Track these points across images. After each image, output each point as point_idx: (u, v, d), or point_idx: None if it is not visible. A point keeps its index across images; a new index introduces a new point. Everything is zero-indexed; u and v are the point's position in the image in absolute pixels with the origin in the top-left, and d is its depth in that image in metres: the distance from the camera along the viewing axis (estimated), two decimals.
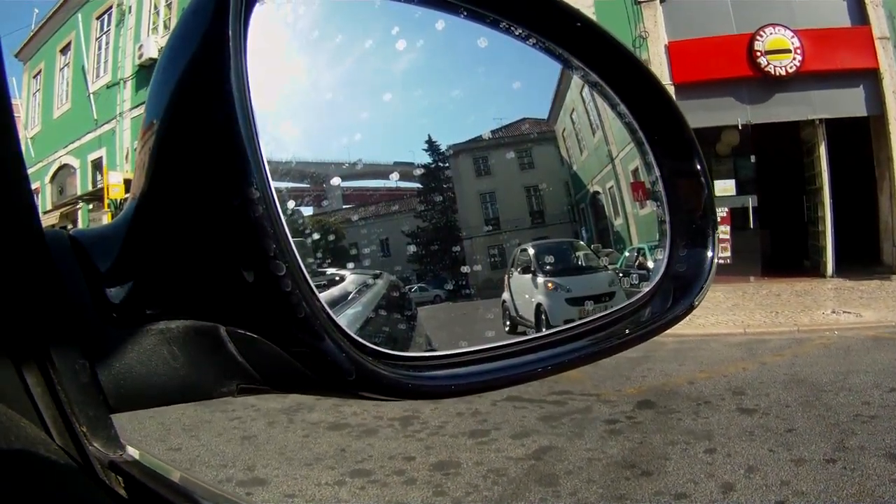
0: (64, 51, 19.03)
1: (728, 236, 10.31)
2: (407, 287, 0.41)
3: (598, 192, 0.40)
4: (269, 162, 0.37)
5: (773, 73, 10.17)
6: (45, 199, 19.37)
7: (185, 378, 0.42)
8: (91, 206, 17.35)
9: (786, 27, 10.12)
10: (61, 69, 19.23)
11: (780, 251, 11.49)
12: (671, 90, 9.84)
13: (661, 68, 10.32)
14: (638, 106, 0.59)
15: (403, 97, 0.44)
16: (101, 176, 15.82)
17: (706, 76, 10.33)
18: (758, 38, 10.18)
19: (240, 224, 0.36)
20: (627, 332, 0.53)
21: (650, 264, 0.37)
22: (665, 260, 0.58)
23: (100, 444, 0.42)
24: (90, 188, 17.42)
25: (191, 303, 0.40)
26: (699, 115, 9.73)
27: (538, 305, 0.30)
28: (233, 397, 0.44)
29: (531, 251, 0.29)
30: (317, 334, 0.36)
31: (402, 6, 0.50)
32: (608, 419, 4.27)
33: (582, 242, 0.37)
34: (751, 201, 11.02)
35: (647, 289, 0.57)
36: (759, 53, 10.20)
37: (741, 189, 11.03)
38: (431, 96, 0.43)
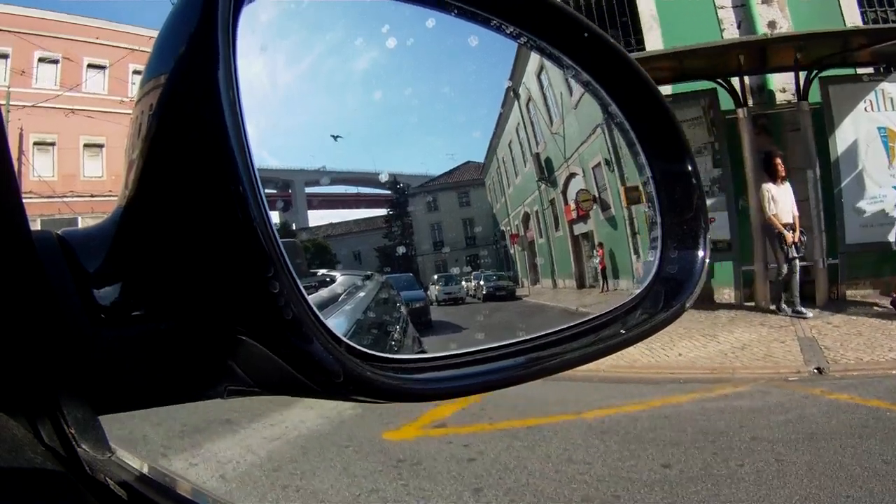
0: None
1: None
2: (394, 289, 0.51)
3: (503, 230, 0.60)
4: (256, 162, 0.36)
5: None
6: None
7: (173, 380, 0.42)
8: None
9: None
10: None
11: None
12: None
13: None
14: (629, 106, 0.58)
15: (392, 101, 0.48)
16: None
17: None
18: None
19: (228, 225, 0.35)
20: (623, 332, 0.53)
21: (481, 284, 0.58)
22: (656, 262, 0.58)
23: (88, 446, 0.42)
24: None
25: (178, 304, 0.40)
26: None
27: (436, 296, 0.52)
28: (222, 399, 0.44)
29: (435, 277, 0.53)
30: (305, 337, 0.36)
31: (394, 4, 0.50)
32: None
33: (458, 276, 0.55)
34: None
35: (638, 291, 0.57)
36: None
37: None
38: (421, 101, 0.53)
